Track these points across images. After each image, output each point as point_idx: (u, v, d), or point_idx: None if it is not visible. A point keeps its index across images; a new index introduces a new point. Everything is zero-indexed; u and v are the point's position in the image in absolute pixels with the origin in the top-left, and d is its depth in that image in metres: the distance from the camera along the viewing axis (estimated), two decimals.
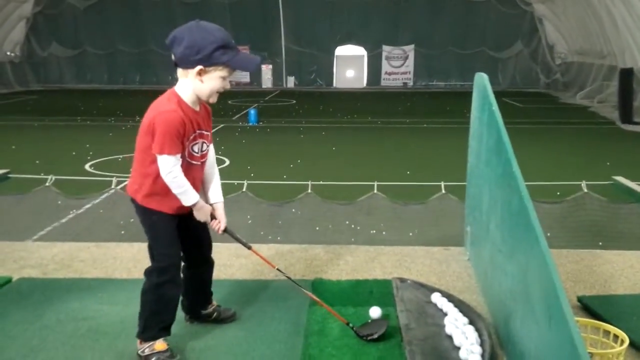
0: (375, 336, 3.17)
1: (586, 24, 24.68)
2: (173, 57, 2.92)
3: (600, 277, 4.10)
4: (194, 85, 2.91)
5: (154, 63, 31.16)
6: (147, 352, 2.99)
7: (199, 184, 3.10)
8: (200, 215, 3.05)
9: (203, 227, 3.19)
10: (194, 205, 2.98)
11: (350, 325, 3.24)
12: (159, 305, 3.02)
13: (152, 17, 30.82)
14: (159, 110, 2.88)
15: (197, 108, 2.99)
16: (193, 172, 3.01)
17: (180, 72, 2.93)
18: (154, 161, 2.89)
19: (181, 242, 3.10)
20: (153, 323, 3.01)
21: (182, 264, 3.15)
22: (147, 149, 2.90)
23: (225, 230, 3.14)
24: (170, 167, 2.87)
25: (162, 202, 2.98)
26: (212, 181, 3.19)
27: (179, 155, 2.89)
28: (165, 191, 2.93)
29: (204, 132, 3.01)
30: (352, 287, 3.87)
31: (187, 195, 2.95)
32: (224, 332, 3.29)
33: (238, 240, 3.22)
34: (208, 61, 2.84)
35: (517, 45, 31.48)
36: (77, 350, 3.09)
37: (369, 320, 3.34)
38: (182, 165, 2.92)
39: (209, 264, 3.35)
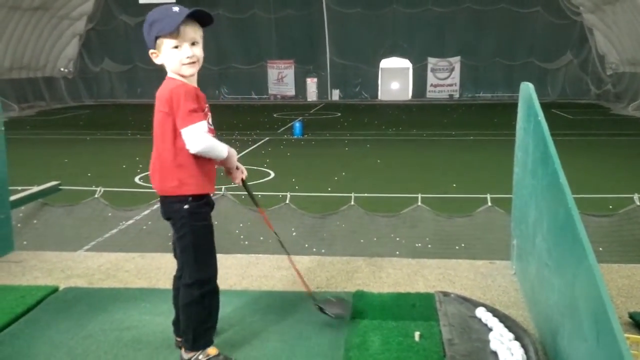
0: (346, 318, 3.38)
1: (638, 33, 24.06)
2: None
3: None
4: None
5: (201, 77, 31.62)
6: (201, 358, 2.98)
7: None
8: (234, 161, 3.05)
9: (179, 246, 3.03)
10: (229, 152, 2.98)
11: (314, 302, 3.42)
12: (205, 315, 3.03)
13: None
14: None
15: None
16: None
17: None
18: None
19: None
20: (201, 332, 3.00)
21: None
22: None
23: (243, 181, 3.16)
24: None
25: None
26: None
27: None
28: None
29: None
30: (394, 300, 3.80)
31: (218, 147, 2.94)
32: (263, 344, 3.27)
33: (251, 196, 3.24)
34: (153, 44, 2.95)
35: (567, 55, 30.93)
36: None
37: (331, 298, 3.52)
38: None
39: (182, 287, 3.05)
